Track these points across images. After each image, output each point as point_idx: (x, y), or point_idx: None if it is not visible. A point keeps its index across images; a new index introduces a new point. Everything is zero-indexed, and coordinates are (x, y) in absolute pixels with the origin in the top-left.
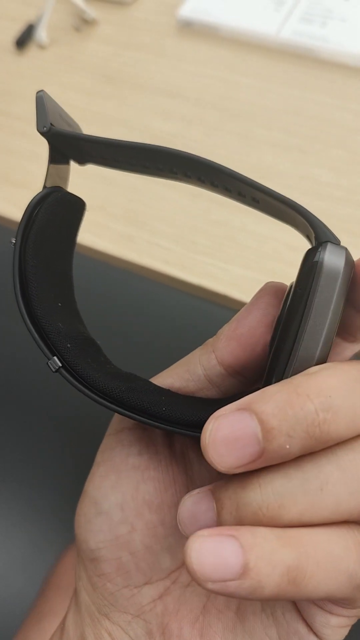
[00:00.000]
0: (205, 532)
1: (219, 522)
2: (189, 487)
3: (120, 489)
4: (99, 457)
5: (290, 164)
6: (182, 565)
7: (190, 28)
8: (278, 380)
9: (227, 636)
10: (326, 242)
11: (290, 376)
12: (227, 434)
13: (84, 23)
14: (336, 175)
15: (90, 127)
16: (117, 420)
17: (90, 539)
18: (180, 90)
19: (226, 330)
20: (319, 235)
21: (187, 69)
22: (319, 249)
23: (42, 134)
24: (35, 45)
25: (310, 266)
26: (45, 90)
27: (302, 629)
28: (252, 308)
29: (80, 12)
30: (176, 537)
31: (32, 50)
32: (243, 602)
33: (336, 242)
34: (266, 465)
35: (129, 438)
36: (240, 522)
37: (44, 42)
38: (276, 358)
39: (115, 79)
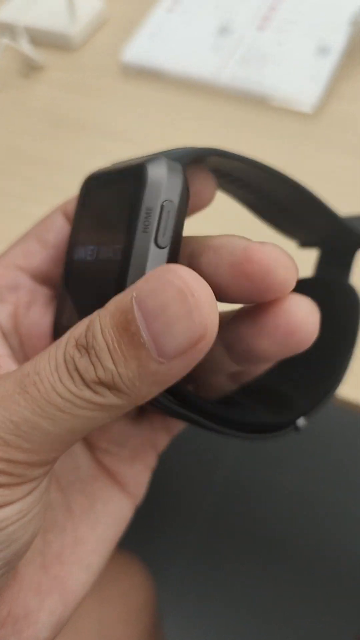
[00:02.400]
0: None
1: None
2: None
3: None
4: None
5: (231, 202)
6: None
7: (134, 71)
8: None
9: (62, 539)
10: None
11: None
12: None
13: (31, 69)
14: None
15: (37, 172)
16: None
17: None
18: (125, 133)
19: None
20: None
21: (132, 112)
22: None
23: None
24: None
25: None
26: None
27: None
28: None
29: (27, 60)
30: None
31: None
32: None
33: None
34: None
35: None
36: None
37: None
38: None
39: (62, 123)
